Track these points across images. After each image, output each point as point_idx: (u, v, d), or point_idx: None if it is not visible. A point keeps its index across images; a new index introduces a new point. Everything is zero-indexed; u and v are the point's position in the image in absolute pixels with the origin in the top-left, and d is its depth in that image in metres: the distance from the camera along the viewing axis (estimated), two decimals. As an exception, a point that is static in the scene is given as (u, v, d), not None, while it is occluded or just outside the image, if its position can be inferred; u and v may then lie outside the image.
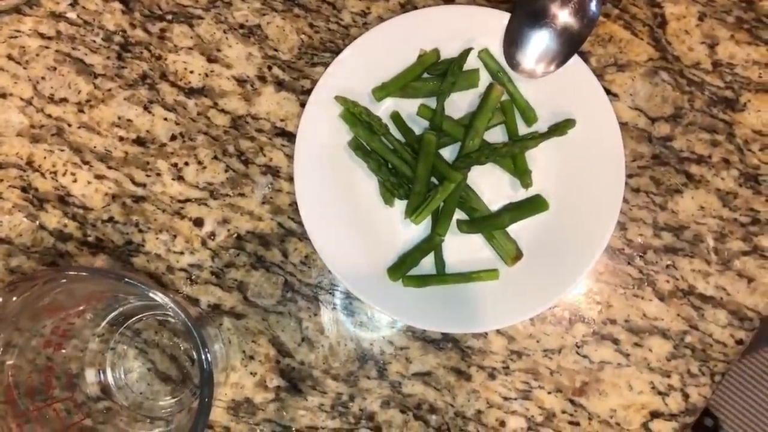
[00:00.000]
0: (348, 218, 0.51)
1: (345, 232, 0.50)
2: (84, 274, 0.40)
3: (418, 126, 0.52)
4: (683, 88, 0.52)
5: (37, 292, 0.41)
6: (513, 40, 0.50)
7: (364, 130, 0.50)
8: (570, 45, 0.50)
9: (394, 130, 0.51)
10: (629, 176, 0.52)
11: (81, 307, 0.47)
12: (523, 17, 0.50)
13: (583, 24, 0.50)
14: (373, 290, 0.50)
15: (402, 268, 0.50)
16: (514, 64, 0.50)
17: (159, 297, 0.39)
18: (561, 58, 0.50)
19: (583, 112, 0.50)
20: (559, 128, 0.50)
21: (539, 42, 0.50)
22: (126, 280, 0.39)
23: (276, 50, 0.52)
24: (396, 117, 0.51)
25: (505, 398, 0.51)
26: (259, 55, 0.52)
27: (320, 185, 0.50)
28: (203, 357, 0.40)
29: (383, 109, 0.51)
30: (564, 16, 0.50)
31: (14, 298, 0.40)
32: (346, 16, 0.53)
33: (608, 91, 0.52)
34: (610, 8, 0.53)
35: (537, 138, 0.50)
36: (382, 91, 0.51)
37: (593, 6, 0.50)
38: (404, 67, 0.51)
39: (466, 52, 0.50)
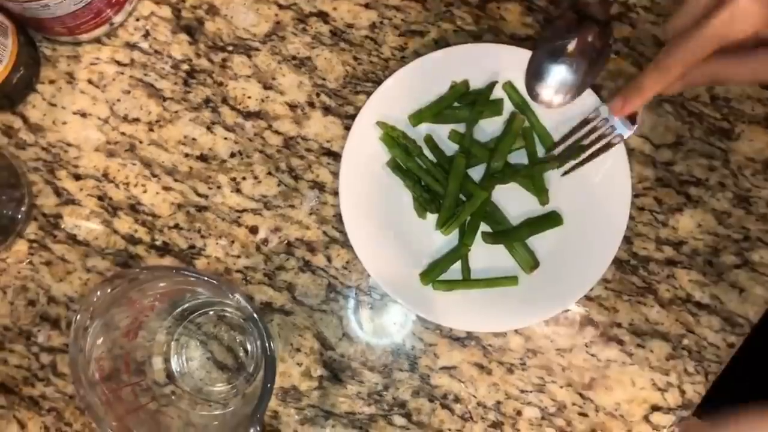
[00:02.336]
0: (385, 229, 0.57)
1: (382, 241, 0.57)
2: (168, 272, 0.47)
3: (449, 148, 0.58)
4: (684, 119, 0.59)
5: (123, 288, 0.48)
6: (534, 74, 0.56)
7: (401, 152, 0.57)
8: (584, 79, 0.55)
9: (428, 151, 0.58)
10: (635, 196, 0.58)
11: (153, 302, 0.54)
12: (544, 53, 0.56)
13: (597, 60, 0.55)
14: (406, 292, 0.56)
15: (432, 274, 0.56)
16: (534, 95, 0.56)
17: (236, 297, 0.45)
18: (576, 90, 0.56)
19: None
20: (573, 154, 0.56)
21: (557, 76, 0.55)
22: (206, 279, 0.46)
23: (324, 79, 0.59)
24: (429, 140, 0.58)
25: (522, 391, 0.58)
26: (309, 83, 0.59)
27: (361, 199, 0.57)
28: (267, 345, 0.46)
29: (418, 133, 0.58)
30: (580, 54, 0.56)
31: (108, 291, 0.46)
32: (385, 50, 0.59)
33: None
34: (620, 46, 0.59)
35: (553, 162, 0.56)
36: (417, 118, 0.57)
37: (606, 45, 0.56)
38: (438, 97, 0.57)
39: (491, 85, 0.57)
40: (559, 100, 0.56)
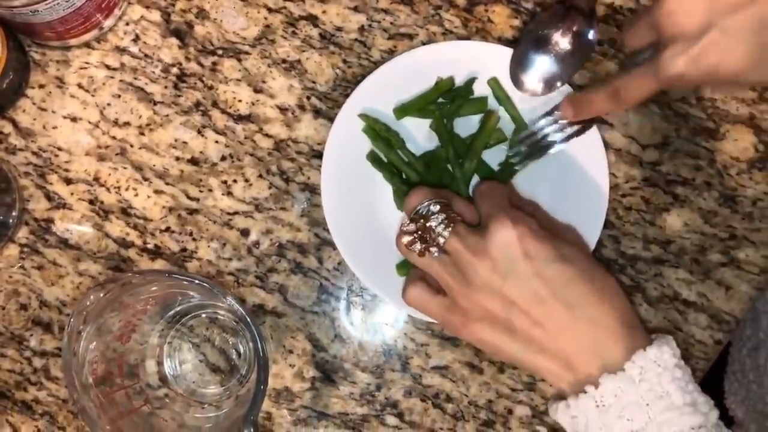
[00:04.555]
0: (368, 223, 0.57)
1: (366, 237, 0.57)
2: (161, 276, 0.47)
3: (434, 143, 0.58)
4: (670, 119, 0.59)
5: (116, 293, 0.48)
6: (518, 63, 0.57)
7: (384, 144, 0.57)
8: (569, 69, 0.57)
9: (411, 145, 0.58)
10: (622, 196, 0.59)
11: (146, 306, 0.54)
12: (529, 43, 0.57)
13: (582, 51, 0.57)
14: (394, 291, 0.55)
15: (409, 265, 0.55)
16: (518, 84, 0.57)
17: (228, 300, 0.46)
18: (560, 80, 0.57)
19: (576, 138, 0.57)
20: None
21: (541, 65, 0.56)
22: (198, 282, 0.46)
23: (314, 82, 0.60)
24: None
25: (513, 389, 0.58)
26: (299, 86, 0.60)
27: (343, 193, 0.56)
28: (259, 347, 0.47)
29: (403, 127, 0.58)
30: (564, 44, 0.57)
31: (101, 295, 0.47)
32: (375, 53, 0.60)
33: (604, 121, 0.59)
34: (606, 48, 0.60)
35: (520, 162, 0.57)
36: (401, 111, 0.57)
37: (590, 36, 0.56)
38: (422, 92, 0.57)
39: (471, 80, 0.57)
40: (544, 89, 0.57)
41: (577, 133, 0.56)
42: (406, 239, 0.50)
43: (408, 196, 0.52)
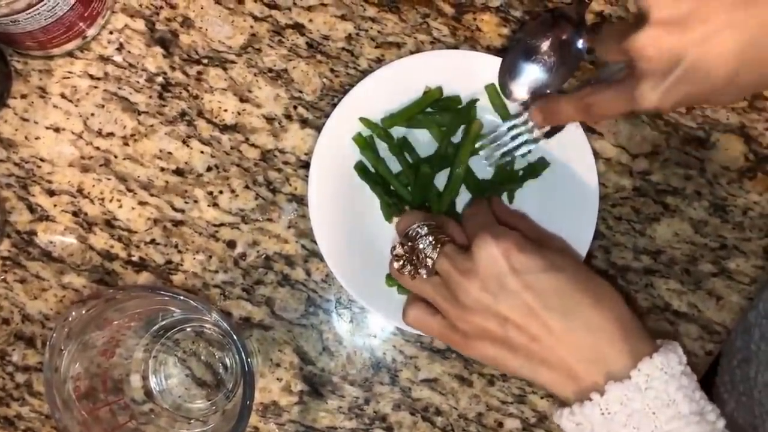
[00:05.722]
0: (355, 234, 0.56)
1: (353, 248, 0.56)
2: (145, 291, 0.46)
3: (424, 151, 0.57)
4: (660, 129, 0.59)
5: (100, 308, 0.47)
6: (507, 72, 0.56)
7: (372, 154, 0.56)
8: (558, 78, 0.56)
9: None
10: (612, 206, 0.58)
11: (130, 321, 0.53)
12: (518, 52, 0.56)
13: (571, 60, 0.56)
14: (381, 302, 0.55)
15: None
16: (507, 93, 0.56)
17: (214, 315, 0.45)
18: (549, 89, 0.56)
19: (565, 148, 0.56)
20: (534, 170, 0.57)
21: (530, 74, 0.56)
22: (183, 297, 0.45)
23: (301, 92, 0.59)
24: (404, 143, 0.57)
25: (503, 402, 0.58)
26: (286, 96, 0.59)
27: (331, 203, 0.56)
28: (245, 362, 0.46)
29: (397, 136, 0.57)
30: (553, 53, 0.57)
31: (84, 311, 0.46)
32: (362, 62, 0.59)
33: (594, 131, 0.58)
34: (596, 57, 0.59)
35: (515, 181, 0.57)
36: (390, 121, 0.57)
37: (579, 45, 0.56)
38: (411, 101, 0.57)
39: (473, 102, 0.57)
40: (532, 98, 0.56)
41: (547, 135, 0.56)
42: (396, 264, 0.50)
43: (399, 220, 0.52)
